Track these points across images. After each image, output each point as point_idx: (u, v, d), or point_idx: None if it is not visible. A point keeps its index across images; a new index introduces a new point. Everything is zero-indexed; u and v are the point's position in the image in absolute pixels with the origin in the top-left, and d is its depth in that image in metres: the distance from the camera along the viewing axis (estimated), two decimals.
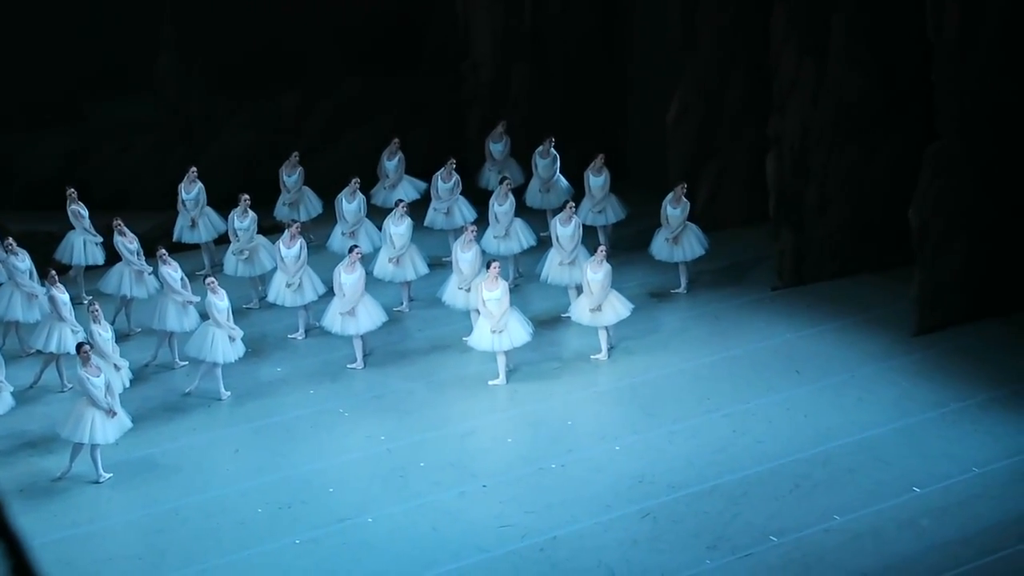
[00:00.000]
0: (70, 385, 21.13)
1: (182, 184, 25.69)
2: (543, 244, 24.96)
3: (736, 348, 22.60)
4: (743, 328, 23.37)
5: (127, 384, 20.49)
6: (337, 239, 25.39)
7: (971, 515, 17.43)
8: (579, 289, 22.74)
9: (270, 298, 23.57)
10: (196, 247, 26.00)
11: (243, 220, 24.35)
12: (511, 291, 22.26)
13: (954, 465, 18.62)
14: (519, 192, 26.82)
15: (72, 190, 24.81)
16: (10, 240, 22.90)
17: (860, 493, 18.04)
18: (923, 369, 21.48)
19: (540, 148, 27.35)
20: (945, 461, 18.74)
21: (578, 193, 26.48)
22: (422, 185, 27.37)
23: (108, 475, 19.02)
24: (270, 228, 25.76)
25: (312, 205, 27.08)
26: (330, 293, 22.68)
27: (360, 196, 25.43)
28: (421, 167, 27.46)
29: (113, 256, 23.94)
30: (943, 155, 22.25)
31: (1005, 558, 16.48)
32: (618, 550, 16.94)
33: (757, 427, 19.94)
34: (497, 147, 28.38)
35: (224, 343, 21.17)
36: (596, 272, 21.99)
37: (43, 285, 22.06)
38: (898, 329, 22.73)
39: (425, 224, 26.06)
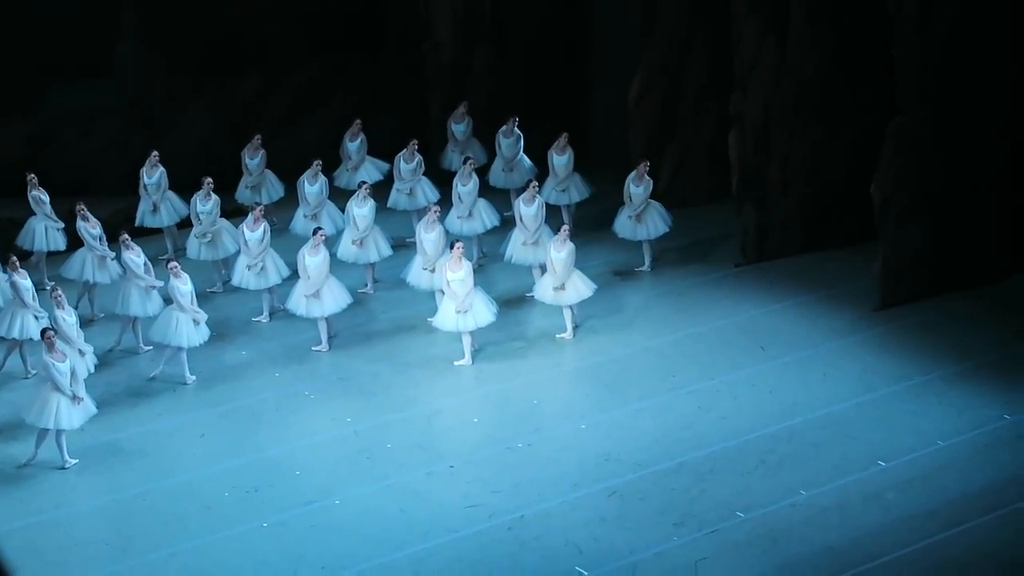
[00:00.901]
0: (34, 371, 21.03)
1: (144, 168, 25.57)
2: (507, 224, 24.95)
3: (701, 325, 22.65)
4: (707, 305, 23.42)
5: (92, 369, 20.40)
6: (300, 222, 25.33)
7: (936, 488, 17.54)
8: (543, 269, 22.76)
9: (234, 281, 23.50)
10: (159, 231, 25.90)
11: (206, 203, 24.27)
12: (475, 271, 22.27)
13: (919, 438, 18.72)
14: (482, 172, 26.81)
15: (33, 176, 24.65)
16: None
17: (826, 468, 18.13)
18: (887, 344, 21.58)
19: (503, 128, 27.33)
20: (910, 435, 18.84)
21: (542, 172, 26.48)
22: (385, 166, 27.31)
23: (74, 461, 18.96)
24: (233, 211, 25.70)
25: (274, 188, 27.00)
26: (294, 276, 22.64)
27: (322, 178, 25.37)
28: (383, 148, 27.39)
29: (75, 242, 23.82)
30: (904, 131, 22.33)
31: (970, 530, 16.58)
32: (585, 528, 16.98)
33: (722, 404, 20.00)
34: (459, 127, 28.34)
35: (188, 327, 21.11)
36: (559, 251, 22.01)
37: (4, 271, 21.93)
38: (862, 304, 22.83)
39: (388, 205, 26.01)
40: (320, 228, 22.76)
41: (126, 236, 22.29)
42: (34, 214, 24.65)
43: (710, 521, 17.02)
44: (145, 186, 25.52)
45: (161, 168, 25.53)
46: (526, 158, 27.33)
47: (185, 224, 25.36)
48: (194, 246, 24.47)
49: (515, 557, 16.48)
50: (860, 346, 21.58)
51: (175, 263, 21.55)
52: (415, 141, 26.33)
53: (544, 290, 22.33)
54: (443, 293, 21.71)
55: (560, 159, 26.12)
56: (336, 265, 23.12)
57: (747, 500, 17.44)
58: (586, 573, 16.07)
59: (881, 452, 18.42)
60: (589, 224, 26.32)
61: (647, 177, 24.60)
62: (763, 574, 15.95)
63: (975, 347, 21.21)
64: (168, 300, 21.51)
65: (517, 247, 23.75)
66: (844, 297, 23.24)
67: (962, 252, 23.04)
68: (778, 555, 16.29)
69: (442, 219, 23.56)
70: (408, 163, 26.16)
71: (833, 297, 23.33)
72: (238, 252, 23.67)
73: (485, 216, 25.13)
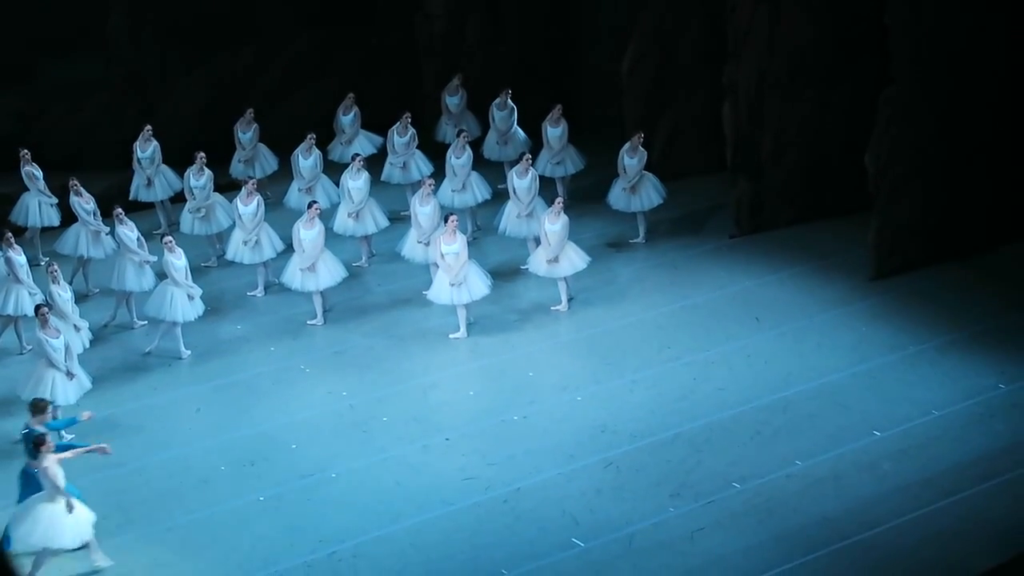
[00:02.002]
0: (29, 347, 21.02)
1: (137, 143, 25.52)
2: (501, 196, 24.93)
3: (695, 296, 22.66)
4: (702, 276, 23.43)
5: (87, 345, 20.40)
6: (294, 195, 25.31)
7: (931, 457, 17.58)
8: (537, 241, 22.74)
9: (228, 256, 23.48)
10: (152, 206, 25.86)
11: (199, 178, 24.24)
12: (469, 244, 22.25)
13: (914, 408, 18.75)
14: (476, 145, 26.77)
15: (25, 151, 24.60)
16: None
17: (821, 438, 18.16)
18: (881, 313, 21.60)
19: (497, 100, 27.28)
20: (905, 404, 18.87)
21: (536, 145, 26.45)
22: (378, 140, 27.26)
23: (70, 436, 18.94)
24: (226, 186, 25.63)
25: (267, 162, 26.98)
26: (289, 250, 22.62)
27: (316, 152, 25.34)
28: (377, 121, 27.34)
29: (69, 217, 23.79)
30: (898, 100, 22.31)
31: (965, 499, 16.62)
32: (581, 500, 17.02)
33: (717, 375, 20.02)
34: (453, 100, 28.29)
35: (183, 302, 21.10)
36: (554, 223, 22.00)
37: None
38: (856, 274, 22.84)
39: (382, 178, 25.97)
40: (315, 202, 22.72)
41: (120, 211, 22.25)
42: (27, 190, 24.59)
43: (706, 492, 17.06)
44: (139, 160, 25.47)
45: (155, 142, 25.48)
46: (520, 130, 27.29)
47: (179, 199, 25.31)
48: (188, 221, 24.45)
49: (511, 529, 16.52)
50: (854, 316, 21.60)
51: (169, 238, 21.53)
52: (408, 114, 26.28)
53: (538, 262, 22.33)
54: (438, 266, 21.70)
55: (554, 131, 26.09)
56: (331, 238, 23.09)
57: (743, 471, 17.48)
58: (582, 544, 16.11)
59: (876, 422, 18.45)
60: (583, 196, 26.31)
61: (641, 148, 24.58)
62: (759, 544, 15.99)
63: (969, 316, 21.22)
64: (162, 275, 21.49)
65: (511, 220, 23.75)
66: (838, 267, 23.25)
67: (956, 221, 23.04)
68: (774, 525, 16.33)
69: (436, 192, 23.55)
70: (401, 136, 26.11)
71: (827, 267, 23.34)
72: (232, 226, 23.67)
73: (478, 189, 25.11)
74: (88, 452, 16.35)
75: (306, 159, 25.17)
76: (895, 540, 15.95)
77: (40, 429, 16.21)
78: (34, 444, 15.78)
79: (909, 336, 20.78)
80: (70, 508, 15.56)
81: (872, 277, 22.67)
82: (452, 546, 16.27)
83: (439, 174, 25.15)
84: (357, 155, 24.66)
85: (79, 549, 15.98)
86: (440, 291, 21.56)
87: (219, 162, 25.58)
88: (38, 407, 16.70)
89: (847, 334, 21.04)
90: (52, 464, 15.53)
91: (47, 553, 15.77)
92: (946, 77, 22.40)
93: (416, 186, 24.99)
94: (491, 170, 26.37)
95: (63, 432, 18.50)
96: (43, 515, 15.59)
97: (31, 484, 16.09)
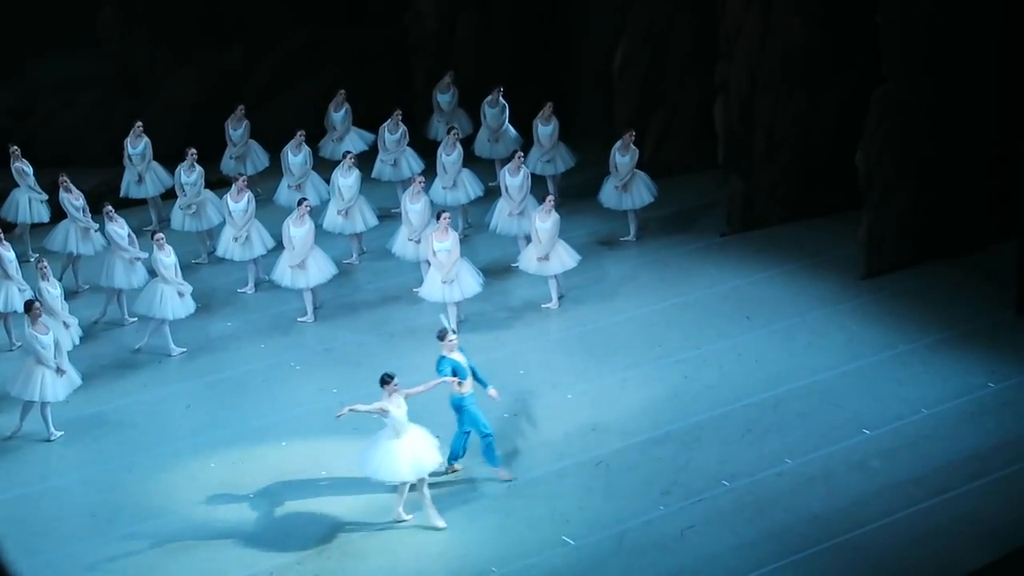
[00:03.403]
0: (18, 343, 20.98)
1: (128, 139, 25.49)
2: (491, 194, 24.92)
3: (686, 295, 22.66)
4: (693, 275, 23.43)
5: (76, 341, 20.38)
6: (284, 192, 25.29)
7: (921, 455, 17.59)
8: (528, 239, 22.74)
9: (219, 253, 23.47)
10: (142, 203, 25.83)
11: (190, 174, 24.21)
12: (461, 242, 22.24)
13: (904, 406, 18.76)
14: (467, 142, 26.76)
15: (15, 148, 24.56)
16: None
17: (811, 436, 18.17)
18: (872, 312, 21.61)
19: (489, 97, 27.27)
20: (895, 403, 18.88)
21: (527, 142, 26.45)
22: (369, 137, 27.26)
23: (59, 433, 18.95)
24: (217, 182, 25.62)
25: (258, 159, 26.96)
26: (279, 247, 22.60)
27: (306, 149, 25.31)
28: (368, 118, 27.33)
29: (59, 213, 23.74)
30: (889, 98, 22.32)
31: (956, 497, 16.64)
32: (572, 498, 17.02)
33: (708, 373, 20.02)
34: (444, 97, 28.29)
35: (173, 299, 21.08)
36: (544, 221, 21.99)
37: None
38: (847, 273, 22.85)
39: (373, 176, 25.97)
40: (305, 199, 22.72)
41: (110, 208, 22.23)
42: (17, 186, 24.56)
43: (696, 490, 17.06)
44: (130, 156, 25.44)
45: (146, 138, 25.45)
46: (511, 128, 27.29)
47: (169, 195, 25.28)
48: (178, 217, 24.42)
49: (502, 527, 16.51)
50: (845, 314, 21.61)
51: (160, 234, 21.50)
52: (399, 111, 26.27)
53: (529, 260, 22.33)
54: (429, 263, 21.69)
55: (545, 129, 26.08)
56: (321, 236, 23.09)
57: (733, 469, 17.49)
58: (573, 542, 16.11)
59: (866, 420, 18.46)
60: (574, 194, 26.29)
61: (633, 146, 24.57)
62: (750, 542, 15.99)
63: (960, 315, 21.24)
64: (153, 272, 21.47)
65: (502, 217, 23.74)
66: (829, 265, 23.26)
67: (947, 220, 23.05)
68: (764, 523, 16.34)
69: (427, 189, 23.54)
70: (392, 133, 26.10)
71: (818, 265, 23.35)
72: (223, 223, 23.65)
73: (469, 186, 25.10)
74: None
75: (295, 156, 25.15)
76: (886, 538, 15.96)
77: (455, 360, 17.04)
78: (381, 382, 16.44)
79: (899, 335, 20.79)
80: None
81: (863, 275, 22.68)
82: (442, 544, 16.26)
83: (430, 171, 25.14)
84: (348, 152, 24.65)
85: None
86: (431, 288, 21.54)
87: (210, 159, 25.54)
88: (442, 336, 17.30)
89: (838, 332, 21.05)
90: (386, 402, 16.20)
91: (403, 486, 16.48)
92: (937, 76, 22.42)
93: (407, 183, 24.94)
94: (482, 167, 26.37)
95: (51, 428, 18.55)
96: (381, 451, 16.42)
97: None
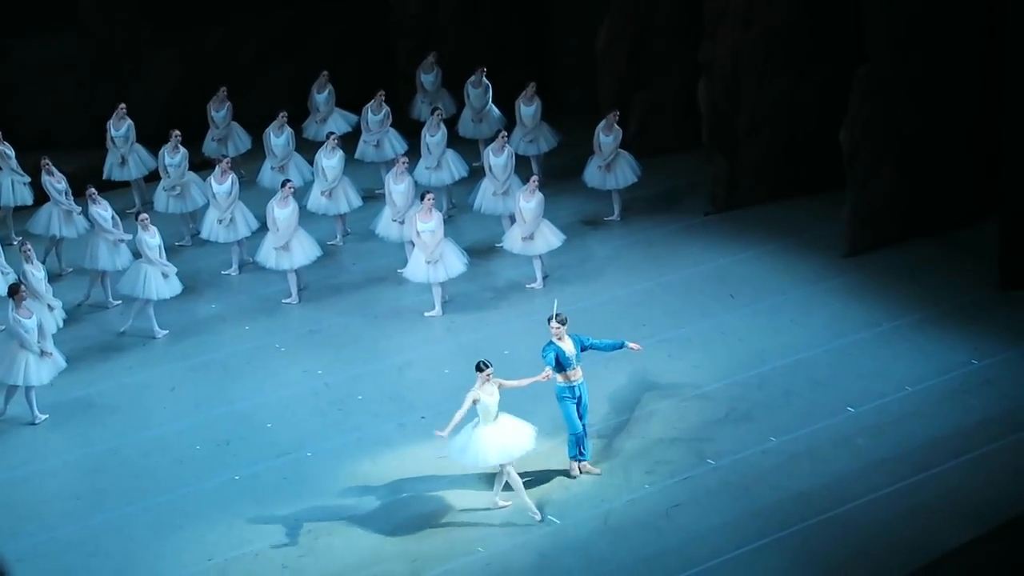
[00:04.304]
0: (2, 327, 20.93)
1: (111, 121, 25.44)
2: (476, 174, 24.92)
3: (670, 274, 22.69)
4: (677, 254, 23.45)
5: (60, 324, 20.36)
6: (267, 174, 25.26)
7: (905, 433, 17.64)
8: (512, 219, 22.75)
9: (203, 234, 23.45)
10: (125, 185, 25.79)
11: (174, 156, 24.17)
12: (445, 222, 22.23)
13: (888, 384, 18.81)
14: (451, 122, 26.74)
15: None
16: None
17: (795, 414, 18.21)
18: (855, 290, 21.65)
19: (472, 78, 27.26)
20: (879, 380, 18.93)
21: (510, 122, 26.44)
22: (353, 118, 27.23)
23: (44, 416, 18.93)
24: (200, 164, 25.58)
25: (241, 140, 26.93)
26: (263, 228, 22.58)
27: (288, 130, 25.28)
28: (351, 99, 27.29)
29: (42, 196, 23.69)
30: (872, 77, 22.32)
31: (939, 474, 16.69)
32: (556, 477, 17.02)
33: (692, 352, 20.06)
34: (428, 78, 28.26)
35: (158, 280, 21.06)
36: (529, 201, 22.00)
37: None
38: (830, 251, 22.89)
39: (356, 157, 25.96)
40: (288, 180, 22.69)
41: (93, 190, 22.19)
42: (0, 169, 24.47)
43: (681, 469, 17.10)
44: (113, 139, 25.39)
45: (129, 120, 25.40)
46: (495, 108, 27.30)
47: (152, 177, 25.24)
48: (162, 199, 24.39)
49: (486, 507, 16.52)
50: (829, 293, 21.65)
51: (144, 216, 21.45)
52: (382, 92, 26.24)
53: (513, 240, 22.34)
54: (413, 244, 21.68)
55: (528, 109, 26.08)
56: (306, 217, 23.07)
57: (718, 447, 17.53)
58: (558, 521, 16.14)
59: (850, 398, 18.51)
60: (558, 174, 26.31)
61: (616, 126, 24.57)
62: (735, 520, 16.03)
63: (943, 293, 21.29)
64: (137, 254, 21.44)
65: (487, 197, 23.75)
66: (813, 244, 23.30)
67: (930, 198, 23.09)
68: (750, 501, 16.37)
69: (411, 170, 23.53)
70: (376, 114, 26.08)
71: (802, 244, 23.38)
72: (206, 205, 23.63)
73: (453, 167, 25.10)
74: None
75: (277, 137, 25.12)
76: (870, 515, 16.00)
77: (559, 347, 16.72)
78: (477, 369, 16.31)
79: (883, 313, 20.84)
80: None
81: (846, 254, 22.72)
82: (428, 525, 16.27)
83: (414, 152, 25.13)
84: (332, 133, 24.64)
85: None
86: (416, 269, 21.55)
87: (192, 141, 25.50)
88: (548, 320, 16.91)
89: (821, 311, 21.09)
90: (478, 390, 16.14)
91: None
92: (920, 54, 22.43)
93: (390, 164, 24.96)
94: (466, 148, 26.36)
95: (36, 412, 18.56)
96: (469, 436, 16.26)
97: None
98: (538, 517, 16.15)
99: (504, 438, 16.16)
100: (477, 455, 16.14)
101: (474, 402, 16.10)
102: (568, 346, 16.75)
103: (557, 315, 16.83)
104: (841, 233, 22.87)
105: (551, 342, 16.74)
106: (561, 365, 16.69)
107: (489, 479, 16.86)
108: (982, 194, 23.13)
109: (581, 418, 16.95)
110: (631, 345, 17.30)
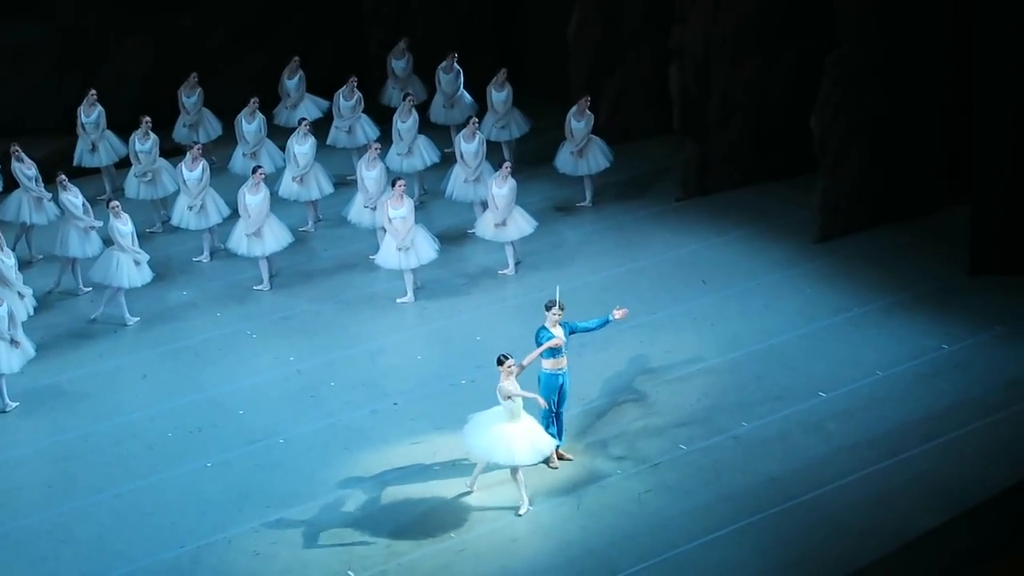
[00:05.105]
0: None
1: (81, 107, 25.33)
2: (447, 160, 24.90)
3: (642, 259, 22.72)
4: (649, 239, 23.48)
5: (31, 312, 20.27)
6: (239, 160, 25.20)
7: (876, 417, 17.71)
8: (484, 205, 22.74)
9: (174, 221, 23.37)
10: (97, 171, 25.68)
11: (144, 143, 24.09)
12: (417, 208, 22.22)
13: (858, 369, 18.87)
14: (423, 108, 26.71)
15: None
16: None
17: (767, 399, 18.26)
18: (827, 275, 21.72)
19: (443, 64, 27.24)
20: (850, 365, 18.99)
21: (482, 108, 26.42)
22: (324, 103, 27.17)
23: (15, 404, 18.86)
24: (171, 150, 25.50)
25: (212, 127, 26.84)
26: (235, 215, 22.52)
27: (260, 116, 25.21)
28: (323, 85, 27.23)
29: (11, 183, 23.58)
30: (843, 63, 22.38)
31: (910, 458, 16.76)
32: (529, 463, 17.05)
33: (664, 337, 20.09)
34: (399, 64, 28.21)
35: (129, 267, 20.99)
36: (501, 187, 22.00)
37: None
38: (801, 236, 22.95)
39: (328, 143, 25.91)
40: (259, 166, 22.64)
41: (63, 177, 22.11)
42: None
43: (653, 454, 17.13)
44: (83, 125, 25.29)
45: (99, 107, 25.30)
46: (466, 94, 27.28)
47: (123, 164, 25.14)
48: (133, 186, 24.31)
49: (460, 492, 16.53)
50: (800, 278, 21.71)
51: (115, 203, 21.37)
52: (354, 78, 26.19)
53: (485, 226, 22.33)
54: (385, 231, 21.65)
55: (499, 95, 26.06)
56: (277, 203, 23.03)
57: (690, 432, 17.56)
58: (531, 507, 16.14)
59: (822, 383, 18.57)
60: (530, 160, 26.31)
61: (588, 112, 24.58)
62: (706, 505, 16.06)
63: (913, 278, 21.37)
64: (109, 241, 21.37)
65: (458, 184, 23.73)
66: (784, 229, 23.36)
67: (900, 183, 23.17)
68: (721, 486, 16.42)
69: (382, 156, 23.50)
70: (347, 100, 26.03)
71: (773, 229, 23.44)
72: (177, 192, 23.55)
73: (425, 153, 25.08)
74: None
75: (249, 123, 25.05)
76: (841, 499, 16.06)
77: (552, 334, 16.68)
78: (498, 363, 16.11)
79: (854, 298, 20.91)
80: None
81: (817, 239, 22.79)
82: (401, 511, 16.27)
83: (385, 138, 25.09)
84: (303, 119, 24.60)
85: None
86: (387, 256, 21.53)
87: (163, 127, 25.41)
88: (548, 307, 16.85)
89: (793, 296, 21.15)
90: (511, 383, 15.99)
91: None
92: (890, 40, 22.49)
93: (362, 150, 24.92)
94: (438, 134, 26.35)
95: (6, 400, 18.50)
96: (496, 433, 16.06)
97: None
98: (523, 511, 16.14)
99: (533, 437, 16.09)
100: (511, 453, 15.96)
101: (503, 399, 15.97)
102: (559, 334, 16.75)
103: (557, 302, 16.80)
104: (812, 218, 22.92)
105: (544, 327, 16.73)
106: (551, 352, 16.69)
107: (459, 467, 16.89)
108: (953, 179, 23.22)
109: (560, 405, 16.96)
110: (615, 313, 17.21)
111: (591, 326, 17.14)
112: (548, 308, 16.82)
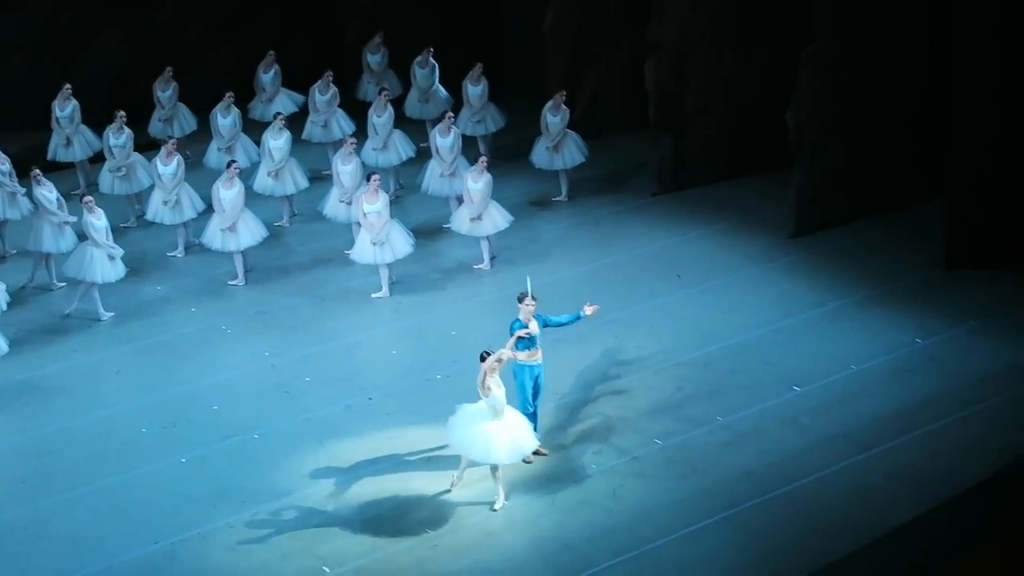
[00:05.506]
0: None
1: (56, 101, 25.23)
2: (423, 155, 24.88)
3: (617, 254, 22.74)
4: (624, 234, 23.50)
5: (4, 307, 20.19)
6: (213, 155, 25.13)
7: (851, 411, 17.75)
8: (460, 200, 22.73)
9: (148, 216, 23.30)
10: (70, 166, 25.59)
11: (119, 137, 24.02)
12: (392, 203, 22.22)
13: (834, 363, 18.92)
14: (398, 103, 26.68)
15: None
16: None
17: (742, 393, 18.30)
18: (802, 270, 21.77)
19: (419, 58, 27.21)
20: (825, 359, 19.04)
21: (457, 103, 26.40)
22: (300, 98, 27.12)
23: None
24: (146, 145, 25.42)
25: (187, 121, 26.76)
26: (209, 210, 22.47)
27: (235, 111, 25.16)
28: (298, 80, 27.18)
29: None
30: (818, 57, 22.41)
31: (884, 452, 16.81)
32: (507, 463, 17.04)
33: (639, 332, 20.11)
34: (375, 58, 28.17)
35: (103, 263, 20.93)
36: (477, 182, 21.98)
37: None
38: (777, 231, 22.99)
39: (303, 137, 25.87)
40: (234, 161, 22.61)
41: (37, 171, 22.03)
42: None
43: (628, 449, 17.15)
44: (58, 119, 25.20)
45: (74, 101, 25.21)
46: (442, 89, 27.25)
47: (98, 158, 25.06)
48: (107, 180, 24.23)
49: (435, 488, 16.52)
50: (776, 272, 21.75)
51: (89, 198, 21.31)
52: (330, 72, 26.15)
53: (461, 221, 22.32)
54: (360, 225, 21.63)
55: (475, 90, 26.05)
56: (252, 198, 22.98)
57: (665, 427, 17.58)
58: (507, 502, 16.14)
59: (797, 377, 18.61)
60: (505, 154, 26.30)
61: (564, 107, 24.58)
62: (682, 499, 16.09)
63: (888, 272, 21.43)
64: (83, 236, 21.30)
65: (434, 178, 23.72)
66: (760, 224, 23.39)
67: (876, 178, 23.22)
68: (696, 480, 16.44)
69: (358, 151, 23.47)
70: (323, 95, 25.99)
71: (749, 224, 23.48)
72: (152, 186, 23.49)
73: (401, 147, 25.05)
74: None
75: (224, 118, 24.99)
76: (816, 493, 16.11)
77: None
78: (481, 359, 16.06)
79: (829, 292, 20.96)
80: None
81: (793, 234, 22.83)
82: (376, 506, 16.25)
83: (361, 133, 25.07)
84: (279, 114, 24.53)
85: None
86: (363, 250, 21.51)
87: (137, 121, 25.33)
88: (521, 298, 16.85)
89: (768, 290, 21.19)
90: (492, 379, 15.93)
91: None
92: (866, 35, 22.53)
93: (337, 145, 24.90)
94: (413, 128, 26.31)
95: None
96: (478, 430, 16.02)
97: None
98: (498, 506, 16.13)
99: (515, 435, 16.04)
100: (488, 451, 15.93)
101: (485, 395, 15.92)
102: (533, 326, 16.76)
103: (529, 293, 16.80)
104: (787, 213, 22.96)
105: (518, 320, 16.74)
106: (525, 344, 16.70)
107: (435, 462, 16.89)
108: (928, 174, 23.27)
109: (534, 399, 16.96)
110: (586, 309, 17.22)
111: (563, 321, 17.16)
112: (521, 300, 16.81)
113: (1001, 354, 18.89)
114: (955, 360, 18.87)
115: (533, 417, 16.92)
